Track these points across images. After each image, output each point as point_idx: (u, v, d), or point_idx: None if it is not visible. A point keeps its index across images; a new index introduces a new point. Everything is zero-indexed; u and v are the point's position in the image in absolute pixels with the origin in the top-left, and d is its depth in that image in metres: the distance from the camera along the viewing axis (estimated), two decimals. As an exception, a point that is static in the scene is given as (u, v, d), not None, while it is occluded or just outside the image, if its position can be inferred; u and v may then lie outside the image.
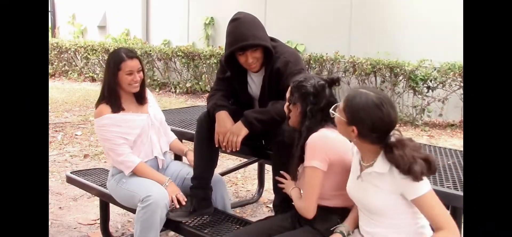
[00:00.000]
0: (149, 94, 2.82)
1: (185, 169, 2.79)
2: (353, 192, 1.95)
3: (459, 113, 6.90)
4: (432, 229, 1.81)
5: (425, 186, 1.76)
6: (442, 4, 7.38)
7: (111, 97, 2.62)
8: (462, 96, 6.51)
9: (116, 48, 2.86)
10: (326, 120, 2.09)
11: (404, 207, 1.81)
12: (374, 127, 1.78)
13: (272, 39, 2.59)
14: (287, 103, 2.19)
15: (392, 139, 1.80)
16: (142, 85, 2.69)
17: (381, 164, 1.81)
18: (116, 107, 2.62)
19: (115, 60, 2.61)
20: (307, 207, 2.08)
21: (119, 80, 2.61)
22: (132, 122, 2.64)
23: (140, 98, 2.73)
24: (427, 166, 1.74)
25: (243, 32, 2.44)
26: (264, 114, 2.49)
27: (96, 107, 2.67)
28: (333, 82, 2.14)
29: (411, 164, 1.71)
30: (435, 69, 6.86)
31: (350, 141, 1.97)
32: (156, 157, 2.75)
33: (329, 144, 2.05)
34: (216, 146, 2.57)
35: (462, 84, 6.54)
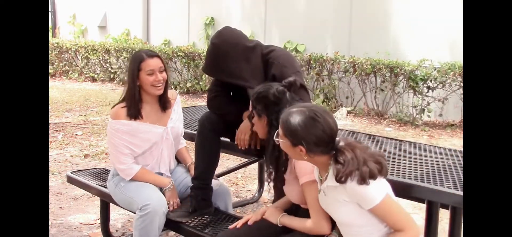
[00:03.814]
0: (177, 102, 2.68)
1: (190, 178, 2.70)
2: (323, 206, 1.93)
3: (459, 113, 6.90)
4: None
5: (378, 194, 1.73)
6: (442, 4, 7.38)
7: (131, 101, 2.49)
8: (462, 96, 6.51)
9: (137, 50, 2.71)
10: None
11: (368, 214, 1.78)
12: (318, 139, 1.77)
13: (267, 47, 2.56)
14: (255, 117, 2.15)
15: (341, 143, 1.80)
16: (166, 87, 2.54)
17: (332, 177, 1.79)
18: (133, 114, 2.50)
19: (135, 61, 2.47)
20: (319, 223, 1.98)
21: (141, 83, 2.48)
22: (146, 134, 2.54)
23: (163, 103, 2.59)
24: (379, 167, 1.74)
25: (219, 64, 2.42)
26: None
27: (113, 106, 2.57)
28: (291, 85, 2.13)
29: (359, 166, 1.70)
30: (435, 69, 6.87)
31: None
32: (161, 173, 2.66)
33: None
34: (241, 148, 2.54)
35: (462, 84, 6.55)
